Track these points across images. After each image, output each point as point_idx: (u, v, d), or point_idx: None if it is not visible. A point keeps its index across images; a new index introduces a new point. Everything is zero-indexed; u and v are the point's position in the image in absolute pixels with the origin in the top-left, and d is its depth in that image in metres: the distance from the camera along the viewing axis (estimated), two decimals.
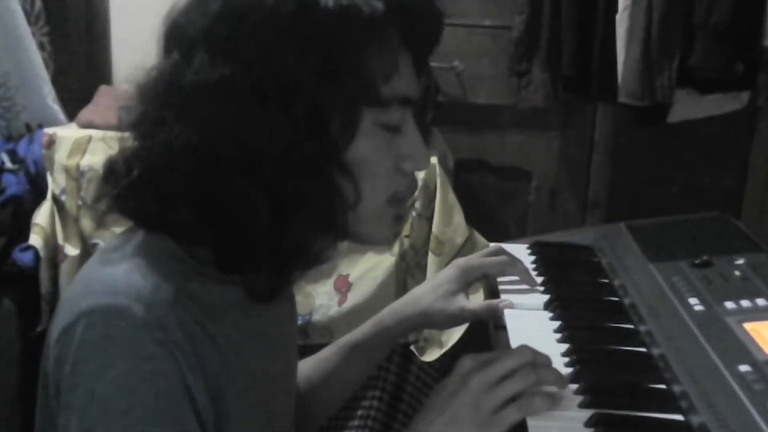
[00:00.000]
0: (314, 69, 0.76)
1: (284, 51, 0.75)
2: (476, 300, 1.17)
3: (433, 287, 1.12)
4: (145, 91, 0.80)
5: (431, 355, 1.82)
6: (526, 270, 1.18)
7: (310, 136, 0.76)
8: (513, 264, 1.17)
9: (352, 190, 0.80)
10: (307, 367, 1.12)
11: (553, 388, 0.85)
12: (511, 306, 1.10)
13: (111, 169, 0.82)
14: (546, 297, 1.14)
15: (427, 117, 1.98)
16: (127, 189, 0.80)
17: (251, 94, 0.75)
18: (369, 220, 0.84)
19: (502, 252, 1.18)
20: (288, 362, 0.96)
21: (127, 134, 0.81)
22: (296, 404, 1.10)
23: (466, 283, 1.13)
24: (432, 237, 1.83)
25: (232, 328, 0.81)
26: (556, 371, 0.87)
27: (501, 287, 1.17)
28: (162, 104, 0.78)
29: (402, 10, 0.81)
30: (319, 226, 0.80)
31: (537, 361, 0.85)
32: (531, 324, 1.07)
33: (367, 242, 0.88)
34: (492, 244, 1.27)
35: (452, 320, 1.11)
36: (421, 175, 1.85)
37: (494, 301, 1.11)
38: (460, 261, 1.15)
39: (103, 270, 0.78)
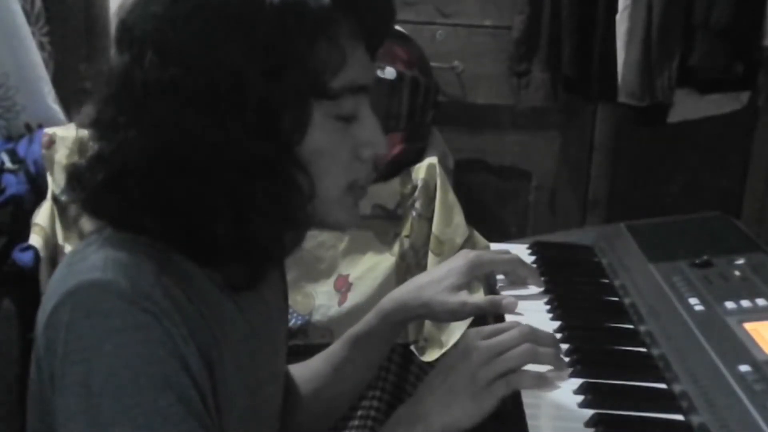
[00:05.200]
0: (261, 66, 0.76)
1: (231, 50, 0.76)
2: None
3: (437, 279, 1.10)
4: (100, 91, 0.80)
5: (431, 355, 1.81)
6: (536, 271, 1.18)
7: (262, 135, 0.77)
8: (522, 264, 1.17)
9: (307, 183, 0.81)
10: (316, 363, 1.13)
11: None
12: (516, 304, 1.09)
13: (74, 175, 0.82)
14: (548, 303, 1.14)
15: (427, 117, 1.98)
16: (92, 195, 0.81)
17: (201, 95, 0.76)
18: (331, 209, 0.85)
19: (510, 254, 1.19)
20: (274, 358, 0.96)
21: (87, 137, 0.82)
22: (308, 402, 1.11)
23: (472, 277, 1.12)
24: (432, 237, 1.83)
25: (216, 309, 0.81)
26: (554, 352, 0.91)
27: (502, 292, 1.16)
28: (115, 106, 0.79)
29: (350, 1, 0.81)
30: (279, 221, 0.81)
31: (538, 341, 0.89)
32: (530, 323, 1.07)
33: (335, 228, 0.91)
34: (496, 245, 1.27)
35: (453, 314, 1.10)
36: (421, 175, 1.85)
37: (498, 297, 1.11)
38: (471, 254, 1.13)
39: (83, 254, 0.79)
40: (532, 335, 0.89)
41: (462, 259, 1.12)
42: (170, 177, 0.77)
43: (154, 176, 0.77)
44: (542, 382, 0.89)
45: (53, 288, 0.77)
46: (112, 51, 0.81)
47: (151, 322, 0.73)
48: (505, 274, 1.19)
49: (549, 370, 0.90)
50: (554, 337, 0.95)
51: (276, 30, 0.76)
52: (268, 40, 0.76)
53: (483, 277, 1.20)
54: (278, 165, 0.79)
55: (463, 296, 1.09)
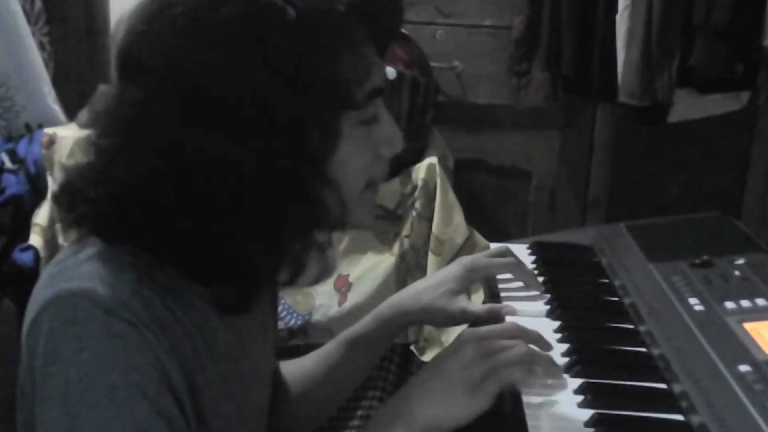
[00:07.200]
0: (287, 85, 0.73)
1: (253, 73, 0.73)
2: (476, 300, 1.16)
3: (435, 284, 1.10)
4: (100, 124, 0.78)
5: (431, 355, 1.81)
6: (533, 274, 1.18)
7: (292, 156, 0.75)
8: (520, 267, 1.16)
9: (337, 202, 0.79)
10: (309, 362, 1.12)
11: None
12: (514, 313, 1.09)
13: (68, 191, 0.81)
14: (548, 303, 1.14)
15: (427, 117, 1.98)
16: (85, 209, 0.79)
17: (226, 123, 0.73)
18: (351, 210, 0.83)
19: (509, 253, 1.17)
20: (261, 361, 0.94)
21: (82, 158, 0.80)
22: (299, 401, 1.10)
23: (469, 282, 1.12)
24: (432, 237, 1.83)
25: (200, 318, 0.80)
26: (547, 366, 0.91)
27: (503, 293, 1.16)
28: (127, 138, 0.76)
29: (362, 5, 0.79)
30: (307, 243, 0.80)
31: (533, 361, 0.88)
32: (531, 323, 1.07)
33: (354, 227, 0.89)
34: (496, 245, 1.26)
35: (452, 320, 1.10)
36: (421, 175, 1.86)
37: (497, 306, 1.11)
38: (466, 260, 1.13)
39: (64, 264, 0.78)
40: (529, 355, 0.88)
41: (458, 264, 1.12)
42: (191, 206, 0.75)
43: (166, 203, 0.75)
44: (529, 375, 0.87)
45: (35, 298, 0.77)
46: (115, 81, 0.78)
47: (129, 331, 0.72)
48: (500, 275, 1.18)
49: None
50: (550, 359, 0.92)
51: (297, 46, 0.74)
52: (291, 57, 0.74)
53: (483, 280, 1.19)
54: (308, 186, 0.77)
55: (463, 302, 1.09)
